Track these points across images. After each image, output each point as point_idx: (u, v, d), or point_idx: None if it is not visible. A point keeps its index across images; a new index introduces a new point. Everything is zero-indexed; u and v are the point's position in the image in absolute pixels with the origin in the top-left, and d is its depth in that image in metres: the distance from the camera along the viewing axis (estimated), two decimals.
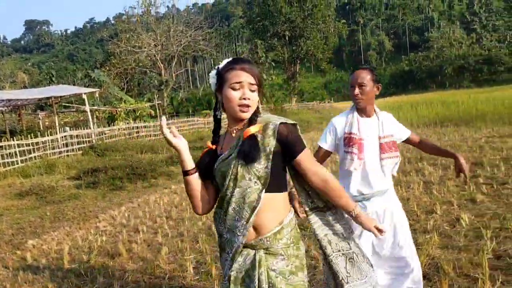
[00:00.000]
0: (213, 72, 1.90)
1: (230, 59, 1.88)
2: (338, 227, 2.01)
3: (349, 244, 2.01)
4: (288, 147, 1.83)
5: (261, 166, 1.78)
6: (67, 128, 20.49)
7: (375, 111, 2.83)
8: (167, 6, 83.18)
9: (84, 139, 17.43)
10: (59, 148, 15.95)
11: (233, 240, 1.83)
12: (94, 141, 17.83)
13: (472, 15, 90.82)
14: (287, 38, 52.42)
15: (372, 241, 2.74)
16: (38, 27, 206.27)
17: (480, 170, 7.46)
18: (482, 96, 28.12)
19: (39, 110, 25.86)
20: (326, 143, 2.86)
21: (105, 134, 19.15)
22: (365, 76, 2.72)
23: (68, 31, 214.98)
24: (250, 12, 55.11)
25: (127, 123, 22.97)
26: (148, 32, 48.23)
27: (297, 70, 55.00)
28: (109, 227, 6.67)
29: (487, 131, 12.61)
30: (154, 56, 47.28)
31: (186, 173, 1.86)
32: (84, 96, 20.88)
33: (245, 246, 1.83)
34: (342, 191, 1.93)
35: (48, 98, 20.46)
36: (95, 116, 25.59)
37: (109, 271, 4.60)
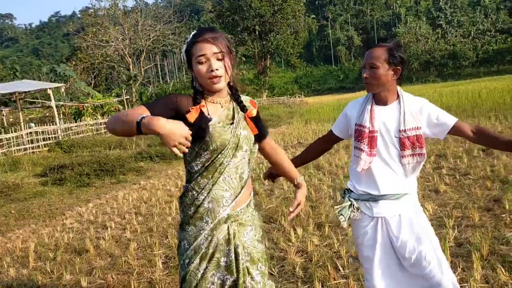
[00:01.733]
0: (183, 49, 1.89)
1: (195, 31, 1.86)
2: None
3: None
4: (261, 126, 1.99)
5: (253, 141, 1.94)
6: (32, 124, 19.97)
7: (398, 98, 2.31)
8: (135, 0, 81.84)
9: (50, 136, 17.02)
10: (24, 144, 15.54)
11: (217, 210, 1.83)
12: (60, 137, 17.44)
13: (437, 10, 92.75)
14: (257, 32, 52.50)
15: (398, 256, 2.27)
16: (1, 20, 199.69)
17: (444, 161, 7.68)
18: (447, 90, 28.86)
19: (2, 106, 25.04)
20: (338, 129, 2.53)
21: (71, 130, 18.75)
22: (379, 56, 2.23)
23: (33, 25, 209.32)
24: (220, 7, 54.87)
25: (95, 119, 22.55)
26: (116, 26, 47.45)
27: (268, 65, 55.20)
28: (76, 224, 6.56)
29: None
30: (122, 50, 46.56)
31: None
32: (50, 91, 20.33)
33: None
34: (290, 161, 2.31)
35: (12, 93, 19.86)
36: (61, 112, 25.00)
37: (76, 268, 4.53)
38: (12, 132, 15.54)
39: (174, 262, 4.34)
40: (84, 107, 24.82)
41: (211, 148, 1.80)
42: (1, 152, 14.21)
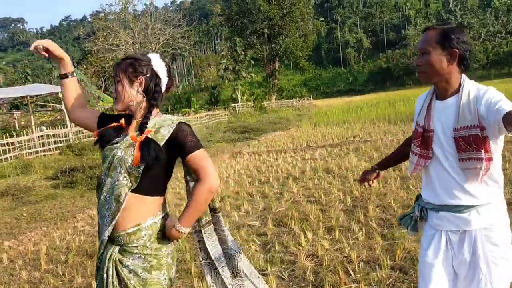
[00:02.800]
0: None
1: None
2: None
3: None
4: (178, 147, 1.86)
5: (131, 165, 1.80)
6: (44, 128, 20.15)
7: (460, 89, 1.90)
8: (145, 4, 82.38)
9: (61, 139, 17.16)
10: (35, 147, 15.68)
11: (103, 229, 1.86)
12: (71, 140, 17.58)
13: (447, 13, 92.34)
14: (266, 36, 52.61)
15: (456, 273, 1.97)
16: (13, 25, 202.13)
17: None
18: None
19: (14, 110, 25.33)
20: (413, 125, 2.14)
21: (82, 133, 18.89)
22: (430, 39, 1.91)
23: (44, 29, 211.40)
24: (229, 10, 55.08)
25: None
26: (126, 30, 47.72)
27: (276, 68, 55.25)
28: (87, 226, 6.60)
29: None
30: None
31: (65, 75, 2.08)
32: (61, 95, 20.50)
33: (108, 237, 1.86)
34: (200, 206, 1.85)
35: (23, 97, 20.08)
36: None
37: (88, 271, 4.56)
38: (23, 135, 15.67)
39: (185, 266, 4.36)
40: (95, 110, 24.98)
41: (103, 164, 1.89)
42: (13, 155, 14.35)
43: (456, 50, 1.86)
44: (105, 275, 1.82)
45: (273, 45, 52.43)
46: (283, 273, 3.89)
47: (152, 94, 1.91)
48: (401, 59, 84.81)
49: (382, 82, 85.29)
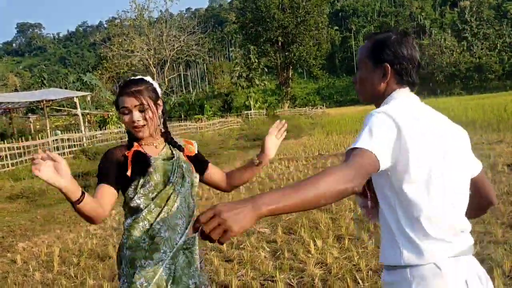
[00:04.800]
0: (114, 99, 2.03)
1: (121, 83, 1.98)
2: None
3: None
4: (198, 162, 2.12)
5: (194, 175, 2.04)
6: (58, 132, 20.47)
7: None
8: (160, 11, 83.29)
9: (75, 143, 17.39)
10: (50, 151, 15.91)
11: (174, 238, 1.87)
12: (85, 144, 17.80)
13: (463, 23, 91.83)
14: (280, 44, 52.78)
15: None
16: (30, 30, 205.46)
17: None
18: (473, 103, 28.48)
19: (30, 113, 25.77)
20: None
21: (96, 138, 19.13)
22: (362, 52, 1.60)
23: (61, 34, 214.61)
24: (243, 18, 55.40)
25: (119, 127, 22.96)
26: (141, 36, 48.29)
27: (290, 76, 55.34)
28: (99, 230, 6.70)
29: (476, 138, 12.76)
30: (147, 60, 47.33)
31: (78, 201, 1.57)
32: (76, 100, 20.90)
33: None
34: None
35: (39, 101, 20.45)
36: (86, 120, 25.57)
37: (99, 274, 4.64)
38: (38, 139, 15.92)
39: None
40: (109, 115, 25.35)
41: (155, 179, 1.87)
42: (28, 158, 14.58)
43: (387, 64, 1.49)
44: (196, 278, 1.93)
45: (286, 53, 52.57)
46: (292, 280, 3.92)
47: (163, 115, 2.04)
48: None
49: None
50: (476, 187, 1.56)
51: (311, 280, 3.87)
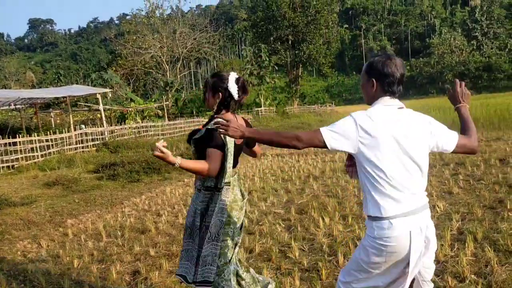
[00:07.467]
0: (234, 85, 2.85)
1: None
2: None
3: None
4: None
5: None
6: (83, 126, 21.50)
7: None
8: (171, 8, 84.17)
9: (97, 136, 18.38)
10: (74, 144, 16.92)
11: (243, 192, 3.06)
12: (106, 138, 18.80)
13: (473, 22, 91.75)
14: (290, 42, 53.44)
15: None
16: (42, 25, 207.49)
17: (462, 169, 8.43)
18: (478, 102, 29.05)
19: (51, 108, 26.88)
20: None
21: (115, 132, 20.12)
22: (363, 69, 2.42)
23: (72, 30, 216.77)
24: (254, 16, 56.12)
25: (136, 122, 24.00)
26: (154, 34, 49.23)
27: (299, 74, 56.03)
28: (134, 211, 7.61)
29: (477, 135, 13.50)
30: (160, 57, 48.29)
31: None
32: (98, 96, 22.12)
33: None
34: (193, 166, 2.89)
35: (64, 97, 21.55)
36: (105, 115, 26.69)
37: (143, 242, 5.55)
38: (65, 133, 16.92)
39: None
40: (128, 111, 26.51)
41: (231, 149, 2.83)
42: (55, 151, 15.58)
43: (373, 80, 2.26)
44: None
45: (296, 52, 53.27)
46: (304, 246, 4.80)
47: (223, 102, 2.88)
48: (424, 67, 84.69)
49: (405, 90, 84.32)
50: (459, 146, 2.36)
51: (320, 246, 4.75)
